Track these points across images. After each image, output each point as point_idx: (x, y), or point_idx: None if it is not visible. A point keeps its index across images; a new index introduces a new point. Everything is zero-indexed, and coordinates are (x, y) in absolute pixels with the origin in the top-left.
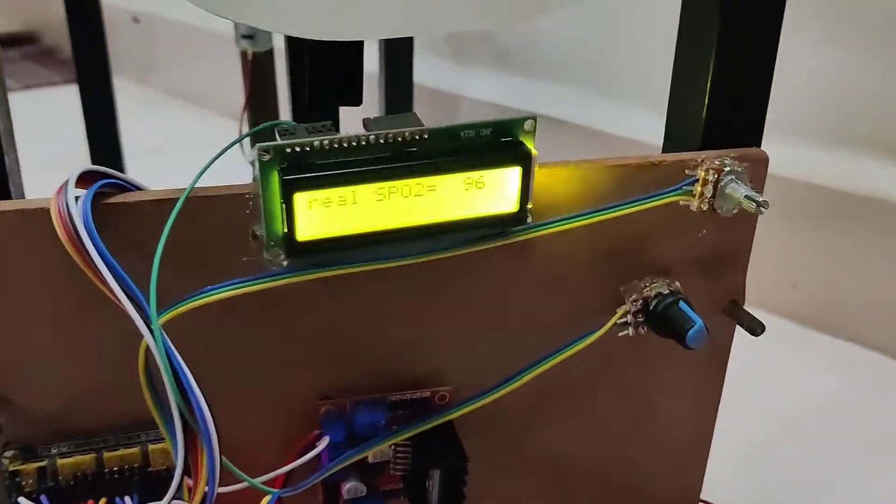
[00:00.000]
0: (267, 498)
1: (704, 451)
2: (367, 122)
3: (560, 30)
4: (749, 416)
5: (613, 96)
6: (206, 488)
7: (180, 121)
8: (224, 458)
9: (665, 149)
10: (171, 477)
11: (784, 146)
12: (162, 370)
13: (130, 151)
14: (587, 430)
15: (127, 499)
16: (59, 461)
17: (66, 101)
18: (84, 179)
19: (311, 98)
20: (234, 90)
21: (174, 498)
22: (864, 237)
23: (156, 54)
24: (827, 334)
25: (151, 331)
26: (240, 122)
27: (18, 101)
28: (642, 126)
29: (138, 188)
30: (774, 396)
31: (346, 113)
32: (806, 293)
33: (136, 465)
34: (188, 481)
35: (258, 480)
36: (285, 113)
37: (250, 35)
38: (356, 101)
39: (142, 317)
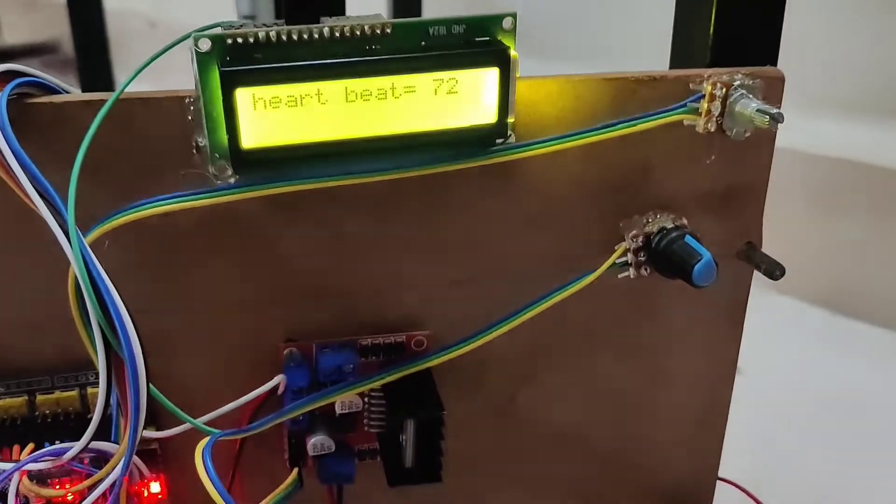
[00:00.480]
0: (206, 440)
1: (722, 420)
2: (324, 20)
3: (565, 10)
4: (772, 402)
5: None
6: (132, 419)
7: None
8: (154, 389)
9: None
10: (112, 423)
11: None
12: (79, 278)
13: None
14: (587, 392)
15: (58, 442)
16: None
17: None
18: (4, 80)
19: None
20: None
21: (101, 439)
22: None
23: (172, 58)
24: (854, 319)
25: (68, 235)
26: None
27: None
28: None
29: (67, 92)
30: (798, 380)
31: None
32: (832, 277)
33: (72, 410)
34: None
35: (201, 420)
36: None
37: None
38: (338, 7)
39: (58, 222)
